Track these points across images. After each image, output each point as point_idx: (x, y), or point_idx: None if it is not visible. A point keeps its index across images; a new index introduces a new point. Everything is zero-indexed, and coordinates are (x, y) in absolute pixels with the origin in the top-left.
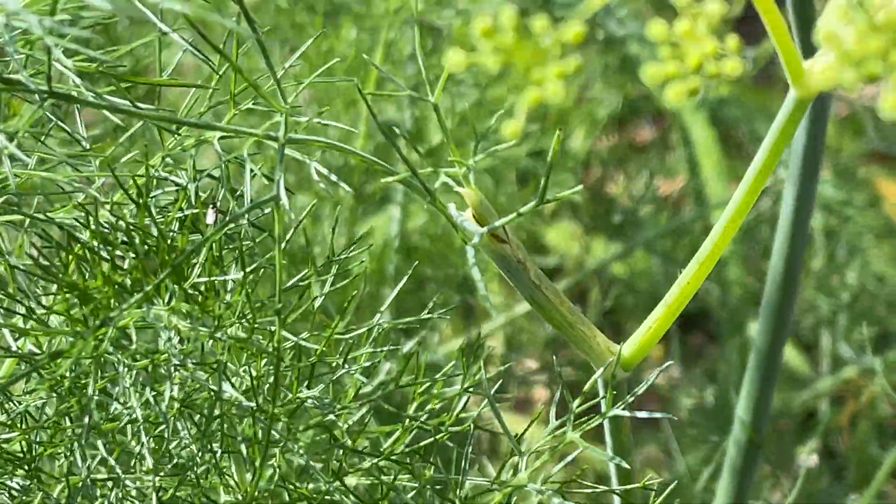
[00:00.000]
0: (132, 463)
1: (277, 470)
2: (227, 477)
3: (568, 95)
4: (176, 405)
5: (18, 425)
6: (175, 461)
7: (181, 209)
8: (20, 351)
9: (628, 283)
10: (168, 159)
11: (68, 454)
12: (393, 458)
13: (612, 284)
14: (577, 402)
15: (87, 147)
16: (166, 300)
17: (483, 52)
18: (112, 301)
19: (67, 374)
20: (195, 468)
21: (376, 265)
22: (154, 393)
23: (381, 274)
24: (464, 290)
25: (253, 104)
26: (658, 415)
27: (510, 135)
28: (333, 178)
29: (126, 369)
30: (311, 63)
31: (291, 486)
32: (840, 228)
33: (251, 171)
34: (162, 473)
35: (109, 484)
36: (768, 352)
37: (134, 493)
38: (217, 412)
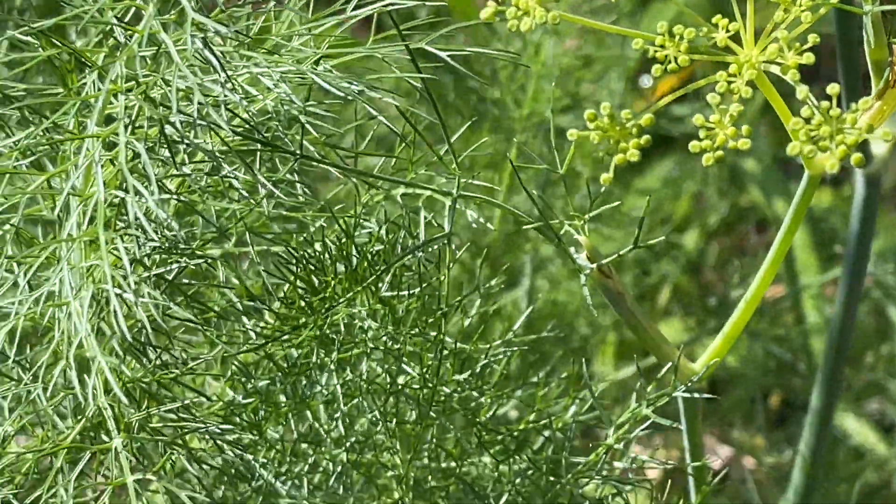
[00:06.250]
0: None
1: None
2: (391, 455)
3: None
4: (364, 385)
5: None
6: (354, 439)
7: (373, 244)
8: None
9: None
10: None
11: (284, 422)
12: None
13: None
14: (650, 386)
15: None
16: (365, 304)
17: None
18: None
19: (296, 353)
20: (372, 444)
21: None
22: (349, 376)
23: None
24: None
25: (425, 169)
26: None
27: (604, 181)
28: (482, 220)
29: (336, 352)
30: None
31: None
32: None
33: (424, 218)
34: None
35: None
36: (822, 411)
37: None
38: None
